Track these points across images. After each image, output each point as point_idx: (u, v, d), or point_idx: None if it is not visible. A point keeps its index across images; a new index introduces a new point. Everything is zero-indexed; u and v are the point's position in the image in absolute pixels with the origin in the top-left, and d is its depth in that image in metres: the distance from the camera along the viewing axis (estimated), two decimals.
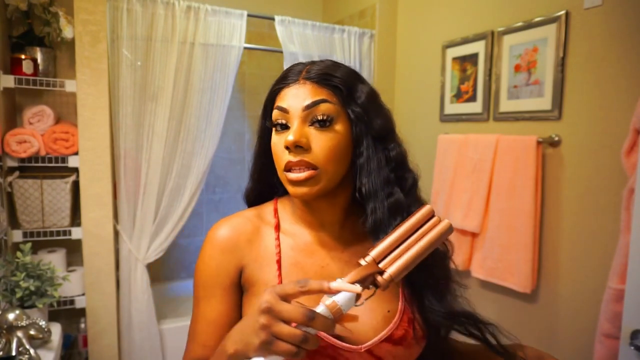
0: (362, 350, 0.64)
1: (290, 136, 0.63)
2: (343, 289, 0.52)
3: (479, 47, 1.89)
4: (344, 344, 0.64)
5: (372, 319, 0.67)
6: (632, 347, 1.01)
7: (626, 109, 1.35)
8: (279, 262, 0.70)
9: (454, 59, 2.03)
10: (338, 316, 0.53)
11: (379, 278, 0.55)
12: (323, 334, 0.63)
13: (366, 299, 0.56)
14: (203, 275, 0.70)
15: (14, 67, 1.76)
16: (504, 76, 1.78)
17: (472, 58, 1.93)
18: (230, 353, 0.55)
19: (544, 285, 1.63)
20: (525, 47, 1.68)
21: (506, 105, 1.77)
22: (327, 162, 0.65)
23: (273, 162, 0.71)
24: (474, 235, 1.83)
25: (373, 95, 0.70)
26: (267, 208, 0.77)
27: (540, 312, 1.65)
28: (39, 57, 1.84)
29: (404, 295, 0.70)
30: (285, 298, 0.52)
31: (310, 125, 0.66)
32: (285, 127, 0.67)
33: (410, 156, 0.74)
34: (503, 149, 1.69)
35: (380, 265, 0.56)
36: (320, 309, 0.53)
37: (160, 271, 2.71)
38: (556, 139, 1.57)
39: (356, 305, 0.54)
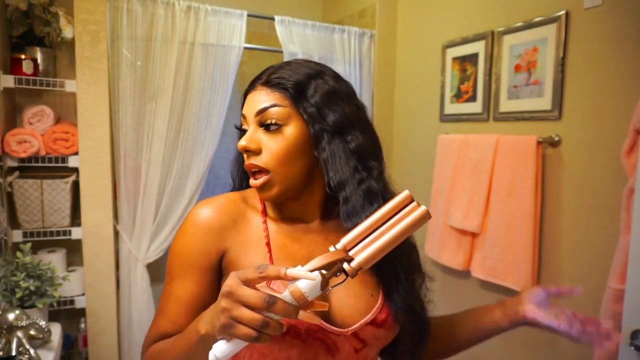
0: (349, 333, 0.67)
1: (242, 141, 0.69)
2: (300, 276, 0.52)
3: (479, 47, 1.89)
4: (332, 327, 0.67)
5: (357, 302, 0.70)
6: (632, 347, 1.01)
7: (626, 109, 1.35)
8: (268, 244, 0.71)
9: (454, 59, 2.03)
10: (303, 302, 0.53)
11: (346, 266, 0.55)
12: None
13: (333, 286, 0.56)
14: (180, 254, 0.70)
15: (14, 67, 1.76)
16: (504, 76, 1.78)
17: (472, 58, 1.93)
18: (202, 334, 0.57)
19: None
20: (525, 47, 1.68)
21: (506, 105, 1.77)
22: (278, 165, 0.68)
23: None
24: (474, 235, 1.83)
25: (330, 92, 0.70)
26: (252, 193, 0.78)
27: None
28: (39, 57, 1.84)
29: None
30: (247, 283, 0.53)
31: (261, 130, 0.70)
32: (243, 130, 0.72)
33: (381, 145, 0.76)
34: (503, 149, 1.69)
35: (351, 253, 0.56)
36: (284, 294, 0.53)
37: (160, 271, 2.71)
38: (556, 139, 1.57)
39: (324, 292, 0.54)
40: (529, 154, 1.59)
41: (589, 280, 1.48)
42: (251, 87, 0.73)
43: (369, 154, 0.71)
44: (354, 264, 0.54)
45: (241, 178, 0.82)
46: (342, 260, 0.55)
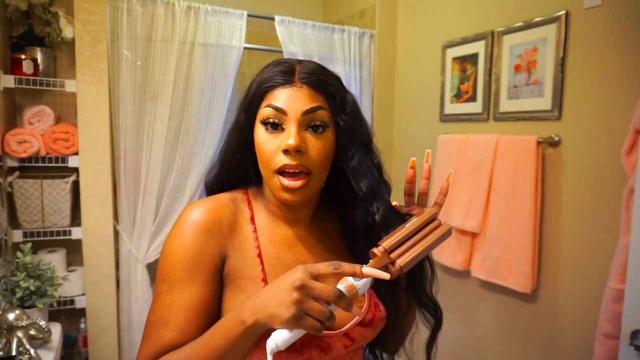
0: (340, 334, 0.71)
1: (291, 140, 0.65)
2: (373, 274, 0.58)
3: (479, 47, 1.89)
4: (325, 331, 0.69)
5: None
6: (632, 347, 1.01)
7: (626, 109, 1.35)
8: (260, 255, 0.71)
9: (454, 59, 2.03)
10: (354, 297, 0.58)
11: (390, 268, 0.61)
12: None
13: (372, 286, 0.61)
14: (183, 258, 0.66)
15: (14, 67, 1.76)
16: (504, 76, 1.78)
17: (472, 58, 1.93)
18: (249, 324, 0.57)
19: (544, 285, 1.63)
20: (525, 47, 1.68)
21: (506, 105, 1.77)
22: (319, 167, 0.68)
23: (247, 158, 0.74)
24: (474, 235, 1.83)
25: (357, 105, 0.75)
26: (239, 196, 0.76)
27: (540, 312, 1.65)
28: (39, 57, 1.84)
29: None
30: (317, 277, 0.56)
31: (305, 130, 0.68)
32: (277, 126, 0.68)
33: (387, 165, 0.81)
34: (503, 149, 1.69)
35: (391, 255, 0.61)
36: (340, 288, 0.57)
37: None
38: (556, 139, 1.57)
39: (370, 286, 0.60)
40: (529, 154, 1.59)
41: (589, 280, 1.48)
42: (279, 81, 0.68)
43: (383, 172, 0.75)
44: (396, 265, 0.61)
45: (237, 170, 0.76)
46: (388, 264, 0.62)
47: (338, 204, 0.80)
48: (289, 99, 0.67)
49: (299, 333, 0.56)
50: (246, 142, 0.73)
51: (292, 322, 0.54)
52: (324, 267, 0.56)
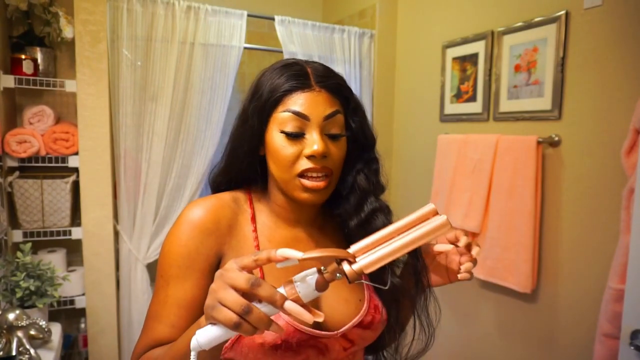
0: (338, 335, 0.70)
1: (316, 146, 0.66)
2: (287, 255, 0.50)
3: (479, 47, 1.89)
4: (322, 332, 0.69)
5: (347, 307, 0.73)
6: (632, 347, 1.01)
7: (626, 109, 1.35)
8: None
9: (454, 59, 2.03)
10: (297, 301, 0.51)
11: (347, 268, 0.52)
12: (302, 327, 0.66)
13: (324, 289, 0.53)
14: (178, 256, 0.67)
15: (14, 67, 1.76)
16: (504, 76, 1.78)
17: (472, 58, 1.93)
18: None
19: (544, 285, 1.63)
20: (525, 47, 1.68)
21: (506, 105, 1.77)
22: (338, 169, 0.71)
23: (256, 160, 0.74)
24: (474, 235, 1.83)
25: (363, 107, 0.76)
26: (241, 196, 0.76)
27: (540, 312, 1.65)
28: (39, 57, 1.84)
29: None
30: (243, 269, 0.51)
31: (325, 134, 0.69)
32: (299, 134, 0.67)
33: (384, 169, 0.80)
34: (503, 149, 1.69)
35: (357, 258, 0.54)
36: (280, 290, 0.52)
37: None
38: (556, 139, 1.57)
39: (318, 292, 0.52)
40: (529, 154, 1.59)
41: (589, 280, 1.48)
42: (303, 85, 0.68)
43: (379, 174, 0.76)
44: (355, 266, 0.52)
45: (244, 171, 0.76)
46: (342, 260, 0.52)
47: (339, 205, 0.80)
48: (311, 105, 0.67)
49: (223, 331, 0.51)
50: (257, 146, 0.73)
51: (206, 314, 0.51)
52: (246, 258, 0.52)
